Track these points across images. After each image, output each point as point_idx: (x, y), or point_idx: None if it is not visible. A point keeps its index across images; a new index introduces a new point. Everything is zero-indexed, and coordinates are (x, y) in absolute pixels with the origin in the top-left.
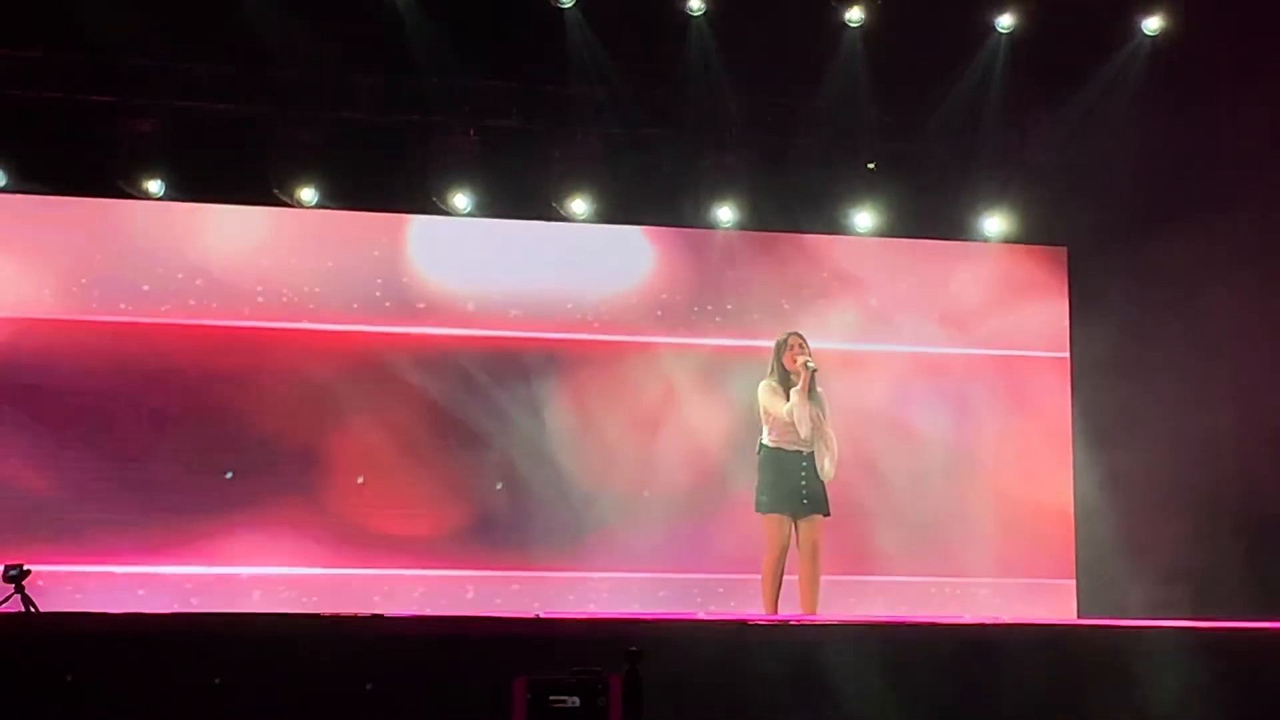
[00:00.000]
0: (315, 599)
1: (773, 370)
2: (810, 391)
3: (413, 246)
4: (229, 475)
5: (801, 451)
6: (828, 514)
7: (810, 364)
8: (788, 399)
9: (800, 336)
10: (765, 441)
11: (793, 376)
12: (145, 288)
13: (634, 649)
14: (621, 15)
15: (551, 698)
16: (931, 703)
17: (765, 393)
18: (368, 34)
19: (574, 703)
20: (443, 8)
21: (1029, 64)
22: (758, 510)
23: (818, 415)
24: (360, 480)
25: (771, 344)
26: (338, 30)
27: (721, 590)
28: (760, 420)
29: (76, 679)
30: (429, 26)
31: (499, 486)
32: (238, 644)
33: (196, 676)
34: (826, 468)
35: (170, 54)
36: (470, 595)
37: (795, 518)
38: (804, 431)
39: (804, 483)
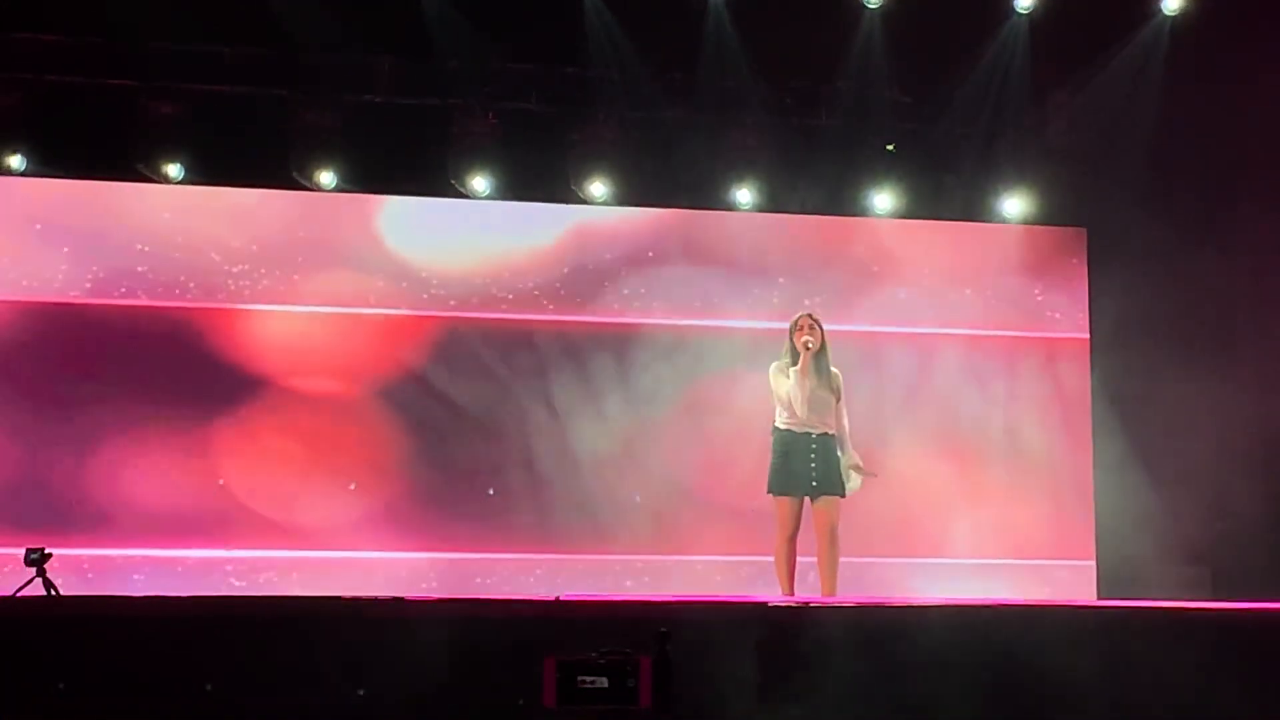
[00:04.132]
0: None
1: (786, 351)
2: (820, 371)
3: (426, 229)
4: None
5: (811, 433)
6: (843, 494)
7: (810, 344)
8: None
9: (811, 317)
10: (777, 423)
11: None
12: (165, 271)
13: (664, 630)
14: None
15: (580, 678)
16: (956, 682)
17: (773, 373)
18: (388, 17)
19: (603, 683)
20: None
21: (1049, 45)
22: (769, 492)
23: (824, 396)
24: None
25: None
26: (358, 13)
27: (740, 572)
28: (774, 402)
29: (99, 662)
30: (449, 10)
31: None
32: (261, 626)
33: (219, 658)
34: (850, 454)
35: (191, 37)
36: (480, 580)
37: (809, 499)
38: (801, 412)
39: (814, 464)
